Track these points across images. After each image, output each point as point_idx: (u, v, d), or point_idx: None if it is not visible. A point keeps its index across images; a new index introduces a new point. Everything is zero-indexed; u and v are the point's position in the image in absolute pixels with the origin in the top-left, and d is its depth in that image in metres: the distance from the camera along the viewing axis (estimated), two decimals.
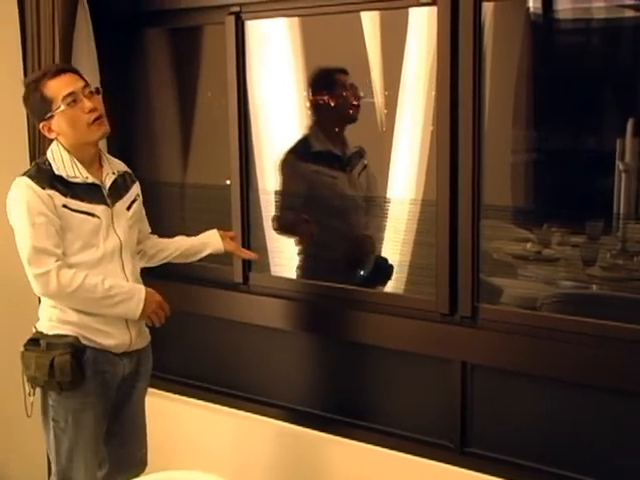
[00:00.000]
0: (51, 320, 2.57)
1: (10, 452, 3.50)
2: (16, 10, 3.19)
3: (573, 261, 2.81)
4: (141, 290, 2.57)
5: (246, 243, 3.18)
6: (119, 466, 2.75)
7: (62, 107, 2.48)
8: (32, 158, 3.22)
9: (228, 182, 3.19)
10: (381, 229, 3.08)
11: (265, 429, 3.16)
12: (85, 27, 3.13)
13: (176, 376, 3.42)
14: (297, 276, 3.23)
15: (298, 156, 3.20)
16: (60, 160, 2.52)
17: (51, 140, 2.61)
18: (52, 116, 2.50)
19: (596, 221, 2.70)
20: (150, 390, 2.96)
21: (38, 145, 3.18)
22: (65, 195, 2.49)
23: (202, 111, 3.41)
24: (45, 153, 2.59)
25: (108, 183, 2.59)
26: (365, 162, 3.13)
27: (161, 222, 3.09)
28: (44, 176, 2.49)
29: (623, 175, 2.64)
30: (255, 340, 3.22)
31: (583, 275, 2.77)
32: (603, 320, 2.52)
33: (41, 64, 3.13)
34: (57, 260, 2.47)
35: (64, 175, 2.51)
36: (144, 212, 2.79)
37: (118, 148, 3.09)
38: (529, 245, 2.87)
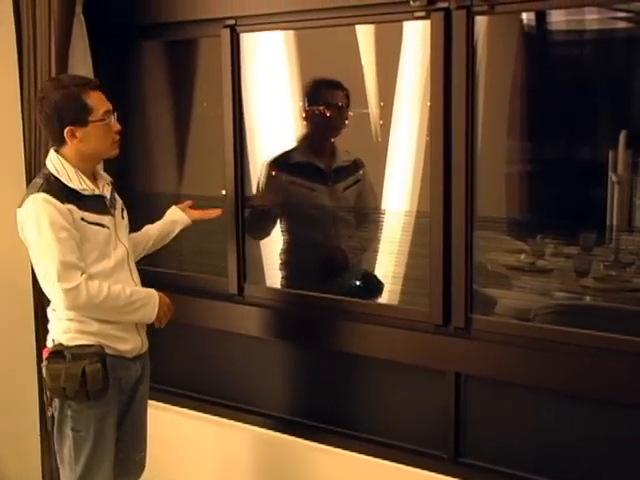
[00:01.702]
0: (69, 332, 2.60)
1: (7, 452, 3.52)
2: (12, 23, 3.21)
3: (567, 272, 2.82)
4: (154, 294, 2.66)
5: (241, 254, 3.19)
6: (119, 470, 2.77)
7: (106, 120, 2.56)
8: (28, 169, 3.23)
9: (224, 192, 3.20)
10: (374, 241, 3.09)
11: (259, 439, 3.16)
12: (81, 40, 3.15)
13: (172, 387, 3.42)
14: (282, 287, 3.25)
15: (277, 167, 3.22)
16: (65, 173, 2.56)
17: (47, 150, 2.63)
18: (84, 124, 2.53)
19: (589, 232, 2.71)
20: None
21: (35, 156, 3.19)
22: (80, 208, 2.54)
23: (197, 122, 3.42)
24: (41, 161, 2.61)
25: (107, 194, 2.66)
26: (359, 175, 3.13)
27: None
28: (59, 190, 2.53)
29: (616, 186, 2.66)
30: (250, 351, 3.22)
31: (576, 286, 2.78)
32: (597, 331, 2.52)
33: (37, 76, 3.14)
34: (82, 273, 2.51)
35: (77, 188, 2.55)
36: None
37: (114, 159, 3.10)
38: (523, 256, 2.88)
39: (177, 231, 2.94)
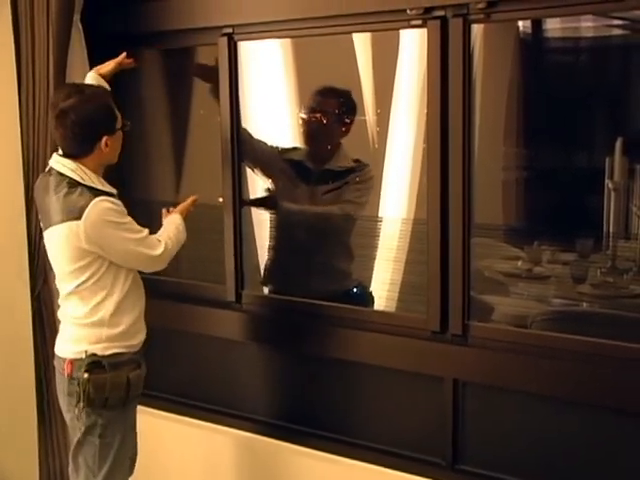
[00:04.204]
0: (101, 341, 2.65)
1: (6, 454, 3.53)
2: (11, 32, 3.22)
3: (563, 279, 2.82)
4: (178, 219, 2.82)
5: (239, 261, 3.19)
6: None
7: (126, 128, 2.69)
8: (26, 175, 3.24)
9: (221, 200, 3.20)
10: (371, 247, 3.09)
11: (257, 446, 3.16)
12: (79, 48, 3.15)
13: (170, 395, 3.42)
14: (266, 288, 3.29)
15: (272, 154, 3.26)
16: (90, 180, 2.61)
17: (45, 158, 2.66)
18: (114, 132, 2.63)
19: (586, 239, 2.71)
20: (145, 409, 2.98)
21: (33, 161, 3.20)
22: None
23: (195, 130, 3.43)
24: (39, 169, 2.65)
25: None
26: (346, 180, 3.12)
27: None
28: (101, 193, 2.60)
29: (612, 193, 2.66)
30: (247, 358, 3.22)
31: (573, 293, 2.78)
32: (593, 338, 2.53)
33: (35, 84, 3.15)
34: (156, 237, 2.71)
35: (107, 190, 2.64)
36: None
37: (112, 167, 3.10)
38: (520, 263, 2.88)
39: None
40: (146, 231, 2.68)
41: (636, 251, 2.71)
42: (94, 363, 2.62)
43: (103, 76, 2.92)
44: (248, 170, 3.23)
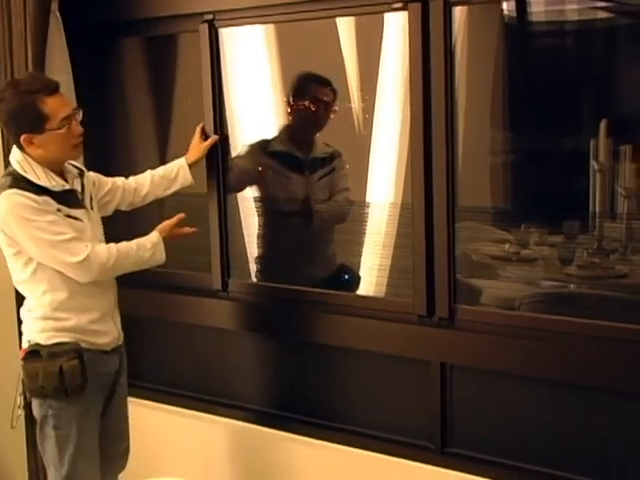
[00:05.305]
0: (45, 331, 2.61)
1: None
2: None
3: (551, 261, 2.82)
4: (157, 239, 2.67)
5: (224, 250, 3.18)
6: (104, 462, 2.78)
7: (62, 130, 2.52)
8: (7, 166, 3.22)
9: None
10: (357, 233, 3.09)
11: (244, 434, 3.16)
12: (58, 38, 3.12)
13: (157, 385, 3.42)
14: (258, 280, 3.27)
15: (256, 152, 3.24)
16: (33, 172, 2.54)
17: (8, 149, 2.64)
18: (41, 132, 2.51)
19: (572, 221, 2.72)
20: (133, 400, 2.97)
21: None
22: (54, 200, 2.53)
23: (179, 118, 3.41)
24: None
25: (78, 187, 2.65)
26: (334, 164, 3.14)
27: (138, 231, 3.09)
28: (29, 186, 2.51)
29: (598, 175, 2.66)
30: (235, 347, 3.22)
31: (561, 274, 2.79)
32: (581, 319, 2.53)
33: (14, 76, 3.12)
34: (85, 243, 2.54)
35: (46, 185, 2.53)
36: (106, 188, 2.85)
37: (95, 159, 3.10)
38: (507, 246, 2.89)
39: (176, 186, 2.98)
40: (71, 235, 2.51)
41: (622, 231, 2.71)
42: (33, 352, 2.60)
43: (190, 165, 2.97)
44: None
